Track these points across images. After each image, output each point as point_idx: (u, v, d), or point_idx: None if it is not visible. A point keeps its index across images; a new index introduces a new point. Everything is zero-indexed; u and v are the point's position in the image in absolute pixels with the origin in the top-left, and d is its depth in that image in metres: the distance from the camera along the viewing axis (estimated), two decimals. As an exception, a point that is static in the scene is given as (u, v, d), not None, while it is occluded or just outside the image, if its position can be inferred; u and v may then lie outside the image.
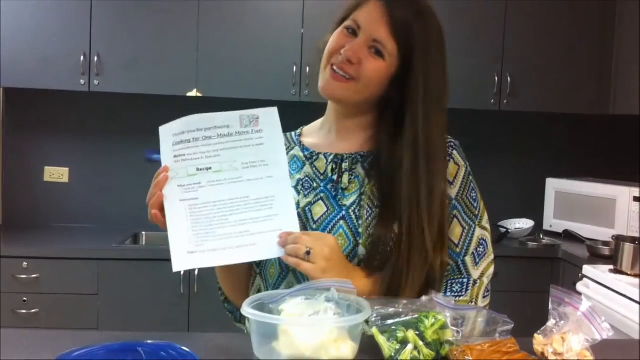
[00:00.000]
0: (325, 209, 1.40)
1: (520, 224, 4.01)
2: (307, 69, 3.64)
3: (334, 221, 1.38)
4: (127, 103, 3.97)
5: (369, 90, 1.38)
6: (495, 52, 3.84)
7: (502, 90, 3.85)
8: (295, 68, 3.66)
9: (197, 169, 1.29)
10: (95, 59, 3.58)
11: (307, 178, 1.45)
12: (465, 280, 1.38)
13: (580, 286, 3.15)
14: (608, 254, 3.35)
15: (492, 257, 1.42)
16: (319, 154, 1.48)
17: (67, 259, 3.37)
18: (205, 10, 3.64)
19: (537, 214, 4.07)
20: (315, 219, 1.40)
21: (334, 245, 1.28)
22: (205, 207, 1.28)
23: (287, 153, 1.44)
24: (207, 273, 3.35)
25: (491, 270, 1.42)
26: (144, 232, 3.82)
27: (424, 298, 1.18)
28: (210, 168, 1.29)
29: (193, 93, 3.65)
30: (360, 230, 1.36)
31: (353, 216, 1.37)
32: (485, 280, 1.40)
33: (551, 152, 4.32)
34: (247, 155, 1.30)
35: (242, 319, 1.52)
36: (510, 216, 4.06)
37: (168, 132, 1.30)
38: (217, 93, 3.68)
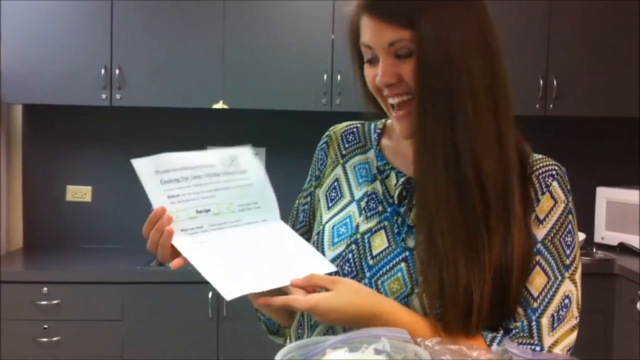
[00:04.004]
0: (387, 245, 1.18)
1: (571, 237, 3.76)
2: (339, 77, 3.46)
3: (394, 261, 1.16)
4: (150, 117, 3.82)
5: None
6: (540, 54, 3.64)
7: (548, 94, 3.65)
8: (325, 76, 3.49)
9: (197, 211, 1.15)
10: (117, 71, 3.43)
11: (374, 196, 1.23)
12: (538, 348, 1.09)
13: (643, 306, 2.90)
14: (670, 269, 3.10)
15: (575, 321, 1.14)
16: (391, 169, 1.25)
17: (90, 284, 3.23)
18: (230, 18, 3.49)
19: (587, 225, 3.80)
20: (375, 253, 1.17)
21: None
22: (217, 250, 1.15)
23: (361, 154, 1.29)
24: (237, 297, 3.17)
25: (572, 338, 1.13)
26: (170, 253, 3.64)
27: (494, 347, 0.98)
28: (210, 210, 1.16)
29: (219, 105, 3.49)
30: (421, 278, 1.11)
31: (417, 259, 1.13)
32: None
33: (601, 159, 4.07)
34: (240, 196, 1.20)
35: (277, 331, 1.38)
36: (558, 228, 3.82)
37: (148, 169, 1.12)
38: (244, 104, 3.55)
